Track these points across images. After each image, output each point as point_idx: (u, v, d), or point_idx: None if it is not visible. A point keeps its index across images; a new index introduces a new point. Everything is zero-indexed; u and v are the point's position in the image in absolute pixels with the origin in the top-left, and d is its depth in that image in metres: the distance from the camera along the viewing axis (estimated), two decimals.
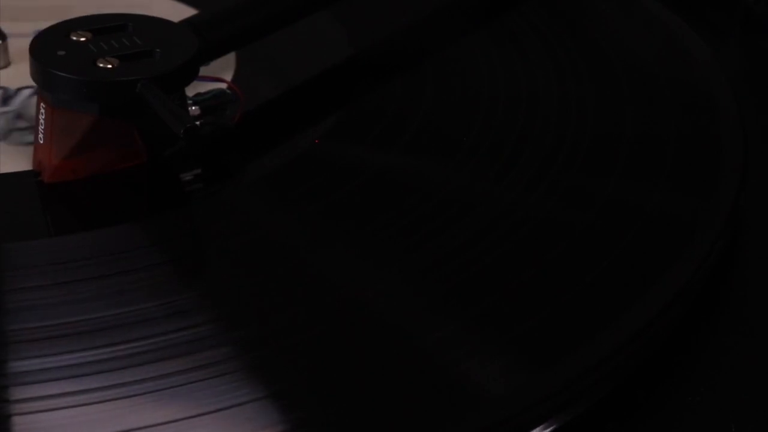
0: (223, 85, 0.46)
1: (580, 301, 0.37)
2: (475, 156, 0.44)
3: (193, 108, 0.44)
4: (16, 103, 0.46)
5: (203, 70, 0.44)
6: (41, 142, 0.41)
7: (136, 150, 0.42)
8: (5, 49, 0.49)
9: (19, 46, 0.49)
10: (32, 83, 0.41)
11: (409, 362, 0.34)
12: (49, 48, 0.41)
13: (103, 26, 0.42)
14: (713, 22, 0.59)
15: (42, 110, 0.41)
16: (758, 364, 0.38)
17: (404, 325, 0.36)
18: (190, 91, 0.43)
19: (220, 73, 0.47)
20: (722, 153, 0.45)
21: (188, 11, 0.51)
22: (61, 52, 0.41)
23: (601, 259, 0.39)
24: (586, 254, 0.39)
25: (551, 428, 0.34)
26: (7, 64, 0.49)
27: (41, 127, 0.41)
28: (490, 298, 0.37)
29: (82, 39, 0.42)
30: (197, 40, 0.42)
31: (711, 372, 0.38)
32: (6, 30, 0.50)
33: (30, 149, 0.42)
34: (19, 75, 0.48)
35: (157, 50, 0.41)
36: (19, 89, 0.47)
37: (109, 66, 0.41)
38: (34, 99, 0.42)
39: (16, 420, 0.32)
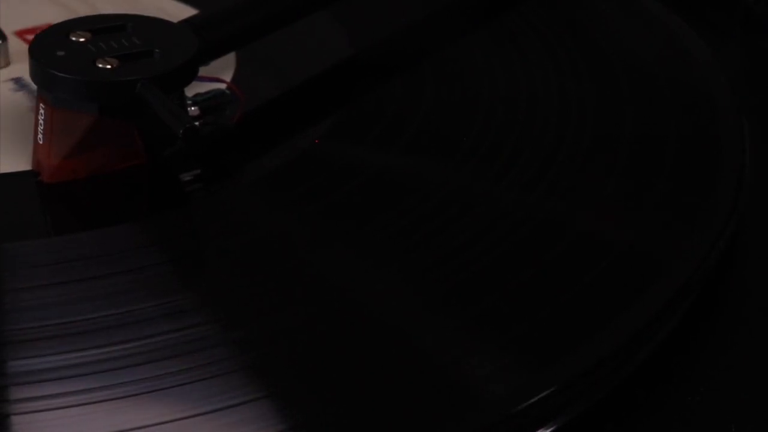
0: (223, 86, 0.46)
1: (579, 301, 0.37)
2: (474, 156, 0.44)
3: (193, 108, 0.44)
4: None
5: (203, 70, 0.44)
6: (41, 142, 0.41)
7: (136, 150, 0.42)
8: (5, 49, 0.49)
9: (19, 46, 0.49)
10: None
11: (409, 362, 0.34)
12: (49, 48, 0.41)
13: (103, 26, 0.42)
14: (713, 22, 0.59)
15: (42, 110, 0.41)
16: (758, 364, 0.38)
17: (404, 325, 0.36)
18: (190, 91, 0.43)
19: (220, 73, 0.47)
20: (722, 153, 0.45)
21: (188, 11, 0.51)
22: (61, 53, 0.41)
23: (600, 259, 0.39)
24: (586, 254, 0.39)
25: (551, 428, 0.34)
26: (7, 64, 0.49)
27: (41, 128, 0.41)
28: (489, 298, 0.37)
29: (82, 39, 0.42)
30: (197, 40, 0.42)
31: (711, 372, 0.38)
32: (6, 30, 0.50)
33: (30, 149, 0.42)
34: (19, 75, 0.48)
35: (157, 50, 0.41)
36: None
37: (109, 66, 0.41)
38: None
39: (16, 420, 0.32)
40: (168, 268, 0.37)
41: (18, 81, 0.48)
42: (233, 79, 0.48)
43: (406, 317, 0.36)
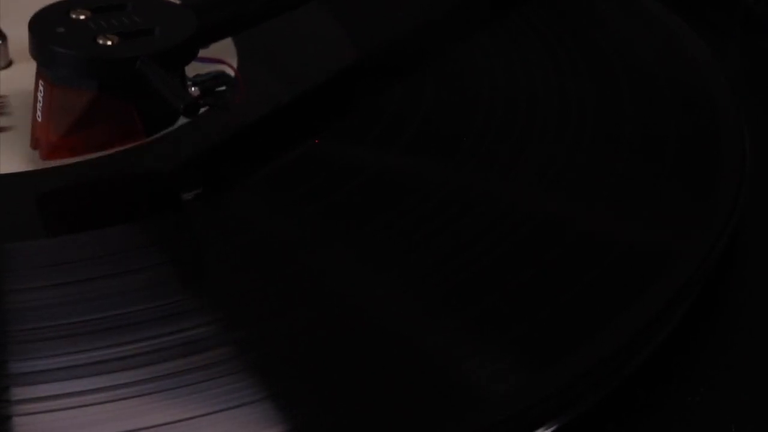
0: (224, 67, 0.46)
1: (580, 301, 0.37)
2: (475, 156, 0.44)
3: (193, 89, 0.43)
4: None
5: (204, 52, 0.44)
6: (39, 119, 0.41)
7: (135, 129, 0.41)
8: (5, 49, 0.49)
9: (19, 46, 0.49)
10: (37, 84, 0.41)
11: (409, 363, 0.34)
12: (49, 25, 0.41)
13: (103, 4, 0.42)
14: (713, 22, 0.59)
15: (41, 87, 0.41)
16: (758, 364, 0.38)
17: (404, 325, 0.36)
18: (191, 73, 0.43)
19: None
20: (722, 153, 0.45)
21: None
22: (61, 30, 0.41)
23: (600, 258, 0.39)
24: (586, 254, 0.39)
25: (551, 428, 0.34)
26: (7, 64, 0.49)
27: (39, 105, 0.41)
28: (489, 298, 0.37)
29: (82, 17, 0.42)
30: (197, 19, 0.42)
31: (711, 372, 0.38)
32: (6, 30, 0.50)
33: (29, 147, 0.42)
34: (19, 75, 0.48)
35: (157, 28, 0.41)
36: None
37: (109, 43, 0.40)
38: None
39: (17, 421, 0.32)
40: (168, 269, 0.37)
41: None
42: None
43: (407, 317, 0.36)
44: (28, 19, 0.42)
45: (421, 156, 0.44)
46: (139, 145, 0.43)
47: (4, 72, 0.49)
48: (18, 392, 0.32)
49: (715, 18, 0.59)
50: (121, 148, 0.43)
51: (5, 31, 0.50)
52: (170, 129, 0.44)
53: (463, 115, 0.46)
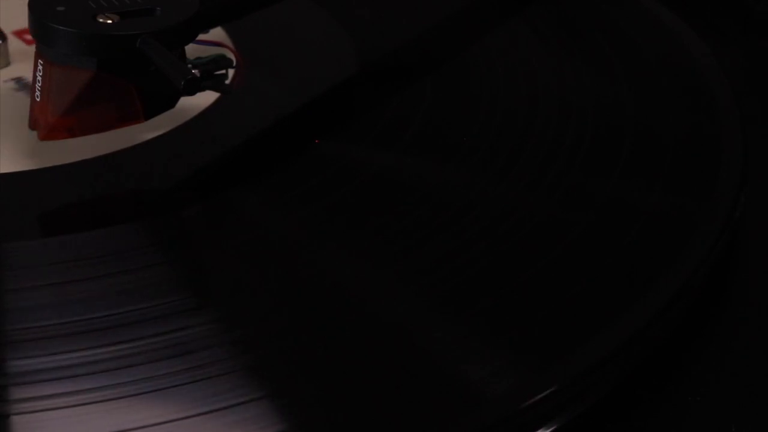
0: (224, 50, 0.45)
1: (580, 300, 0.37)
2: (475, 156, 0.44)
3: (194, 71, 0.43)
4: None
5: (203, 37, 0.43)
6: (38, 99, 0.41)
7: (135, 110, 0.41)
8: (5, 49, 0.49)
9: (20, 46, 0.49)
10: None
11: (409, 362, 0.34)
12: (48, 3, 0.41)
13: None
14: (713, 22, 0.59)
15: (40, 66, 0.40)
16: (758, 364, 0.38)
17: (404, 325, 0.36)
18: (191, 56, 0.43)
19: None
20: (722, 153, 0.45)
21: None
22: (61, 8, 0.40)
23: (601, 258, 0.39)
24: (586, 254, 0.39)
25: (551, 428, 0.34)
26: (7, 64, 0.49)
27: (38, 84, 0.40)
28: (489, 298, 0.37)
29: None
30: (198, 1, 0.42)
31: (711, 372, 0.38)
32: (6, 30, 0.50)
33: (29, 147, 0.42)
34: (19, 75, 0.48)
35: (158, 9, 0.41)
36: None
37: (110, 21, 0.40)
38: None
39: (16, 420, 0.32)
40: (167, 268, 0.37)
41: (19, 81, 0.48)
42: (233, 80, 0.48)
43: (406, 317, 0.36)
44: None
45: (421, 156, 0.44)
46: (139, 145, 0.43)
47: (3, 72, 0.49)
48: (17, 392, 0.32)
49: (716, 18, 0.59)
50: (121, 148, 0.43)
51: (5, 31, 0.50)
52: (169, 129, 0.44)
53: (463, 115, 0.46)
